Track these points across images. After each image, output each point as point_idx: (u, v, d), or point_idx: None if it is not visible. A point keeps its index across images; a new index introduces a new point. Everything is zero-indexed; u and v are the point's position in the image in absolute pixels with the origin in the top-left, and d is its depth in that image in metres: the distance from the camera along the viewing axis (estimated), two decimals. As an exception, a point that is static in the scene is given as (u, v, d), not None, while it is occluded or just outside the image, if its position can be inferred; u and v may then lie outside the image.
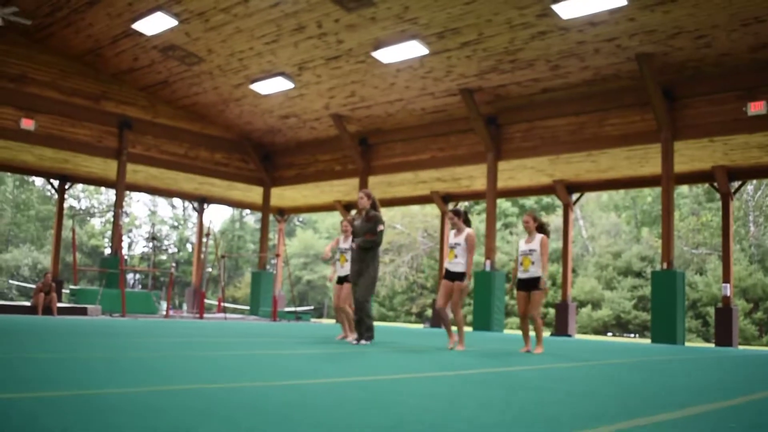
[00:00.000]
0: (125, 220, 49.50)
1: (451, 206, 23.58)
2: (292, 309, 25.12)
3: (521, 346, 8.97)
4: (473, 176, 21.21)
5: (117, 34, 18.32)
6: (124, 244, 50.44)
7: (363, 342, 8.87)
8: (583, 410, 3.43)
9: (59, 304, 17.30)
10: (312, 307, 44.56)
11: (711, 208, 38.78)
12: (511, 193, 24.24)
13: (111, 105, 21.02)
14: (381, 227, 8.80)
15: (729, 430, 2.98)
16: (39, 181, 50.34)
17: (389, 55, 17.09)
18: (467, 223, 8.78)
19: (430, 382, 4.61)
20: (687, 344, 16.99)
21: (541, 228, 8.63)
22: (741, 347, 18.67)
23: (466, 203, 30.70)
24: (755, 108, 14.90)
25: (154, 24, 17.29)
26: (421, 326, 28.39)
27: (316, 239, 56.09)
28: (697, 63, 15.26)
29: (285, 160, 25.00)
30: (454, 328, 8.79)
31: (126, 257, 30.64)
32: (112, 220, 25.00)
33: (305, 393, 3.65)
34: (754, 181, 35.96)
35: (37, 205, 53.43)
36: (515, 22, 15.00)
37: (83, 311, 16.89)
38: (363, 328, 8.92)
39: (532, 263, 8.40)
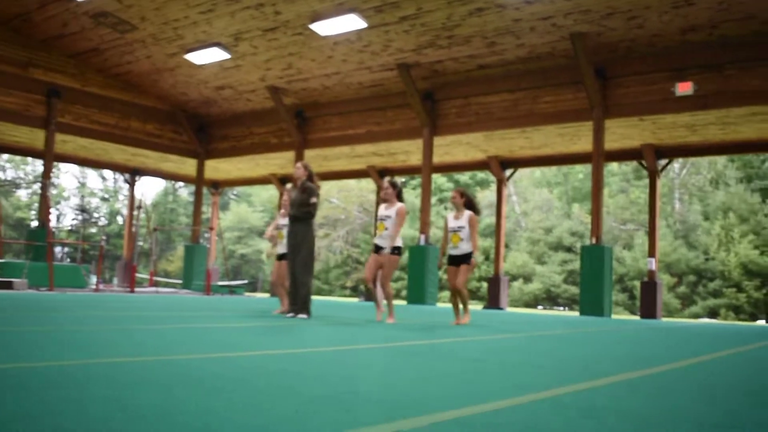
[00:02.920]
0: (53, 191, 48.15)
1: (386, 180, 23.64)
2: (226, 283, 24.91)
3: (453, 319, 9.11)
4: (409, 151, 21.30)
5: (45, -1, 17.68)
6: (52, 217, 49.03)
7: (300, 316, 8.70)
8: (515, 380, 3.52)
9: (-17, 278, 16.79)
10: (246, 281, 44.21)
11: (639, 186, 39.83)
12: (447, 168, 24.44)
13: (39, 72, 20.31)
14: (314, 199, 8.71)
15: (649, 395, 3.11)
16: (-39, 150, 48.44)
17: (327, 27, 16.94)
18: (400, 198, 8.84)
19: (364, 354, 4.66)
20: (614, 317, 17.50)
21: (470, 204, 8.68)
22: (664, 319, 19.30)
23: (402, 178, 30.79)
24: (683, 89, 15.32)
25: (84, -11, 16.75)
26: (355, 300, 28.51)
27: (251, 213, 55.66)
28: (630, 43, 15.58)
29: (220, 132, 24.64)
30: (386, 303, 8.85)
31: (54, 230, 29.77)
32: (39, 191, 24.31)
33: (240, 365, 3.65)
34: (680, 160, 37.04)
35: (-41, 175, 51.55)
36: (453, -3, 15.03)
37: (8, 285, 16.41)
38: (300, 302, 8.73)
39: (462, 240, 8.46)
